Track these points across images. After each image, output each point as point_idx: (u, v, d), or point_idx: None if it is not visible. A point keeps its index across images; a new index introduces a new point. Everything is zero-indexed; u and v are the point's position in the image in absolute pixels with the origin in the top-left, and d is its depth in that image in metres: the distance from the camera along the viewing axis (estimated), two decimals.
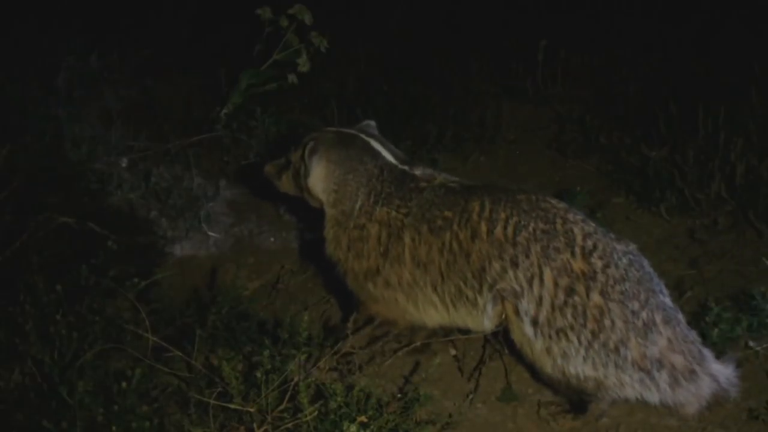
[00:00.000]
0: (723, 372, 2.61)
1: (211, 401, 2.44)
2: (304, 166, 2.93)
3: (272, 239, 3.96)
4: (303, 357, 2.63)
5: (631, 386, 2.54)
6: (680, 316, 2.61)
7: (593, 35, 5.45)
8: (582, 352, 2.51)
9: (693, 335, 2.61)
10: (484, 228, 2.64)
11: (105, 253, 3.05)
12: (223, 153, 4.42)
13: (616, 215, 3.93)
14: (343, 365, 2.88)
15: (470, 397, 2.84)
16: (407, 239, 2.78)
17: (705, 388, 2.56)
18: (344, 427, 2.27)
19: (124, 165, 4.27)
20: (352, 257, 2.91)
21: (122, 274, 3.00)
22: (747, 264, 3.51)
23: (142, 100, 4.89)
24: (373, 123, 3.09)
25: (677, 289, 3.40)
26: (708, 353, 2.62)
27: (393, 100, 4.68)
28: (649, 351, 2.49)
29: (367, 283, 2.90)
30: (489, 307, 2.67)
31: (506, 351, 3.01)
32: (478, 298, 2.68)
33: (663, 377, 2.51)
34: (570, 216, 2.62)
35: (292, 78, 4.47)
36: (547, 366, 2.60)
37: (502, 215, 2.62)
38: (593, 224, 2.64)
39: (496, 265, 2.61)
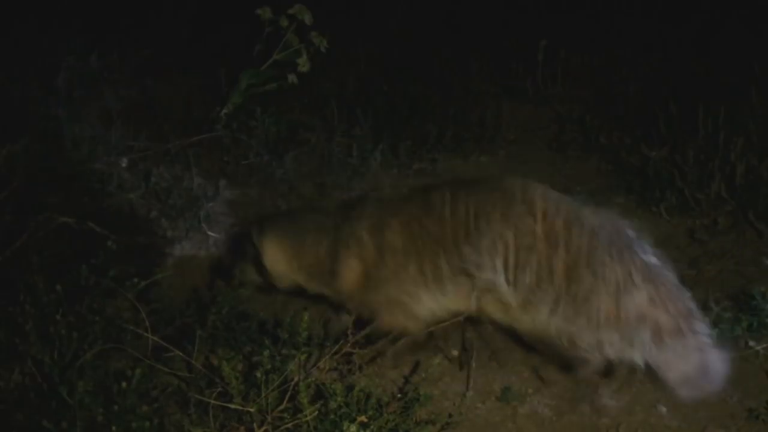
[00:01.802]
0: (709, 344, 2.59)
1: (211, 401, 2.44)
2: (255, 251, 3.08)
3: None
4: (303, 357, 2.62)
5: (609, 344, 2.56)
6: (670, 275, 2.60)
7: (593, 35, 5.45)
8: (551, 304, 2.59)
9: (684, 295, 2.60)
10: (447, 210, 2.77)
11: (105, 253, 3.04)
12: (223, 153, 4.42)
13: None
14: (343, 365, 2.88)
15: (470, 397, 2.84)
16: (387, 237, 2.89)
17: (691, 349, 2.54)
18: (344, 427, 2.27)
19: (124, 165, 4.27)
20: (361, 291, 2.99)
21: (122, 274, 2.99)
22: (747, 264, 3.51)
23: (142, 100, 4.89)
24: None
25: None
26: (698, 314, 2.61)
27: (393, 100, 4.69)
28: (625, 306, 2.51)
29: (366, 295, 2.98)
30: (464, 281, 2.78)
31: (505, 351, 3.01)
32: (455, 273, 2.79)
33: (645, 334, 2.52)
34: (530, 187, 2.72)
35: (292, 78, 4.47)
36: (524, 323, 2.70)
37: (463, 199, 2.77)
38: (555, 192, 2.74)
39: (465, 239, 2.73)
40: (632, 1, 5.87)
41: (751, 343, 2.99)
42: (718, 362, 2.59)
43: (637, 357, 2.55)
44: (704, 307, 3.09)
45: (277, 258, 3.09)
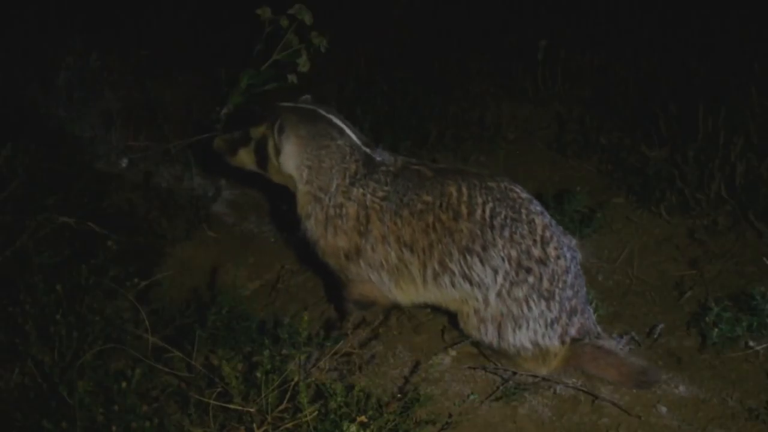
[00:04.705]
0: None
1: (211, 401, 2.44)
2: (273, 143, 3.01)
3: (272, 239, 3.96)
4: (303, 357, 2.63)
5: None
6: (591, 310, 2.98)
7: (593, 35, 5.45)
8: (530, 323, 2.84)
9: (596, 327, 2.95)
10: (464, 210, 2.86)
11: (105, 253, 3.05)
12: None
13: (616, 215, 3.93)
14: (343, 365, 2.89)
15: (470, 397, 2.84)
16: (389, 222, 2.92)
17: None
18: (344, 427, 2.27)
19: (124, 165, 4.27)
20: (331, 234, 3.00)
21: (122, 274, 3.00)
22: (747, 264, 3.51)
23: (142, 100, 4.89)
24: (309, 97, 3.21)
25: (677, 289, 3.41)
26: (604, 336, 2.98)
27: (393, 100, 4.68)
28: (569, 330, 2.87)
29: (349, 264, 3.02)
30: (460, 286, 2.89)
31: None
32: (457, 277, 2.89)
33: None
34: (532, 207, 2.89)
35: (292, 78, 4.46)
36: (487, 333, 2.89)
37: (479, 200, 2.86)
38: (548, 216, 2.93)
39: (479, 243, 2.83)
40: (632, 1, 5.86)
41: (751, 343, 2.99)
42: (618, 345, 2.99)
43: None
44: (704, 307, 3.09)
45: (288, 158, 3.02)
